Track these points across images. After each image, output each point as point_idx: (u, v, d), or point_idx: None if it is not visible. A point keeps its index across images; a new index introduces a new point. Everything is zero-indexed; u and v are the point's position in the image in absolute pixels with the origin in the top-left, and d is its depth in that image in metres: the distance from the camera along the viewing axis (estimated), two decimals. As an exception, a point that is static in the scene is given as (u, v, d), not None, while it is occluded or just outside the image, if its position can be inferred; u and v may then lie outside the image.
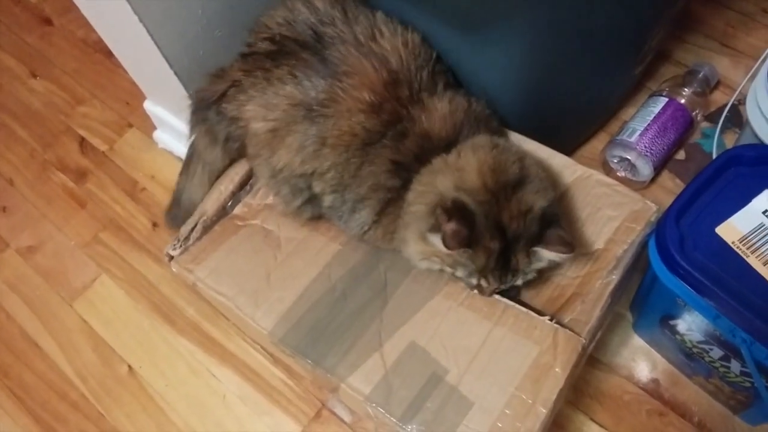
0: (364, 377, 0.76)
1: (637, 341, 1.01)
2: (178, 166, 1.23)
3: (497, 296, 0.77)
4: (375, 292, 0.81)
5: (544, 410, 0.71)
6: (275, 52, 0.80)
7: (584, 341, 0.74)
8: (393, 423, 0.74)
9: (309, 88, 0.78)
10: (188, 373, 1.06)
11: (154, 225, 1.20)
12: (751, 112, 0.86)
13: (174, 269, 0.86)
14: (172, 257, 0.87)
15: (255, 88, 0.80)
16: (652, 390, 0.97)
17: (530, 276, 0.77)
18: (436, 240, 0.70)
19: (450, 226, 0.68)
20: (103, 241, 1.19)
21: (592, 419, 0.96)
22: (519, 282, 0.76)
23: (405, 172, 0.78)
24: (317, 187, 0.83)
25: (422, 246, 0.74)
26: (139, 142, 1.29)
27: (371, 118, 0.78)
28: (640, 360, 0.99)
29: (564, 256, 0.72)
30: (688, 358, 0.91)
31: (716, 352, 0.83)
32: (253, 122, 0.81)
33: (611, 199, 0.83)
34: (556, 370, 0.72)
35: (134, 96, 1.31)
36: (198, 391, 1.05)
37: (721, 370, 0.85)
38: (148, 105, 1.20)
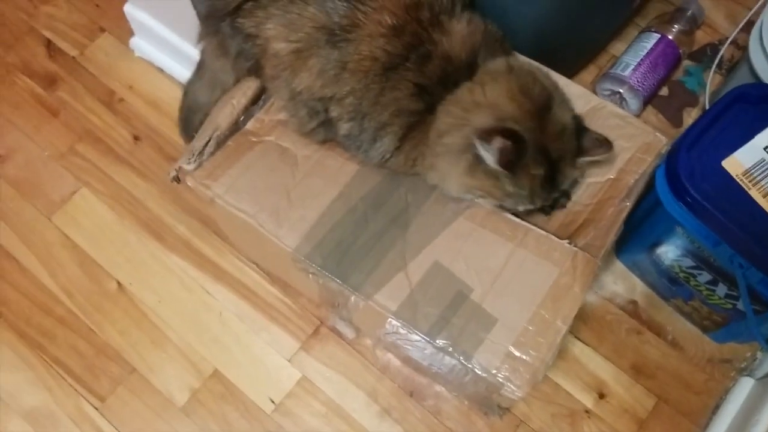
0: (391, 295, 0.78)
1: (619, 266, 1.08)
2: (159, 77, 1.19)
3: (518, 219, 0.80)
4: (397, 213, 0.82)
5: (564, 326, 0.75)
6: None
7: (599, 263, 0.78)
8: (420, 338, 0.77)
9: (332, 12, 0.75)
10: (181, 290, 1.05)
11: (136, 138, 1.15)
12: (753, 50, 0.91)
13: (190, 184, 0.83)
14: (185, 171, 0.84)
15: (275, 5, 0.77)
16: (631, 311, 1.05)
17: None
18: (488, 162, 0.73)
19: (502, 143, 0.71)
20: (80, 152, 1.14)
21: (576, 337, 1.03)
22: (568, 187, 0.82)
23: (428, 95, 0.78)
24: (334, 112, 0.81)
25: (468, 179, 0.76)
26: (113, 49, 1.21)
27: (392, 42, 0.77)
28: (621, 283, 1.07)
29: (607, 155, 0.79)
30: (671, 282, 0.98)
31: (704, 277, 0.90)
32: (274, 42, 0.78)
33: (624, 130, 0.86)
34: (575, 290, 0.77)
35: (106, -3, 1.23)
36: (193, 307, 1.04)
37: (705, 293, 0.92)
38: (128, 8, 1.12)
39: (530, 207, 0.79)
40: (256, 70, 0.85)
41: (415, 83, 0.78)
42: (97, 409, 0.98)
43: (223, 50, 0.86)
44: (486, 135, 0.71)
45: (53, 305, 1.04)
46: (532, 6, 0.87)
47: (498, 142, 0.71)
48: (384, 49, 0.77)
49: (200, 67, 0.94)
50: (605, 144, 0.78)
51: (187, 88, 0.98)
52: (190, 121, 0.98)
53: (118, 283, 1.06)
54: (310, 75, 0.79)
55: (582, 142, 0.77)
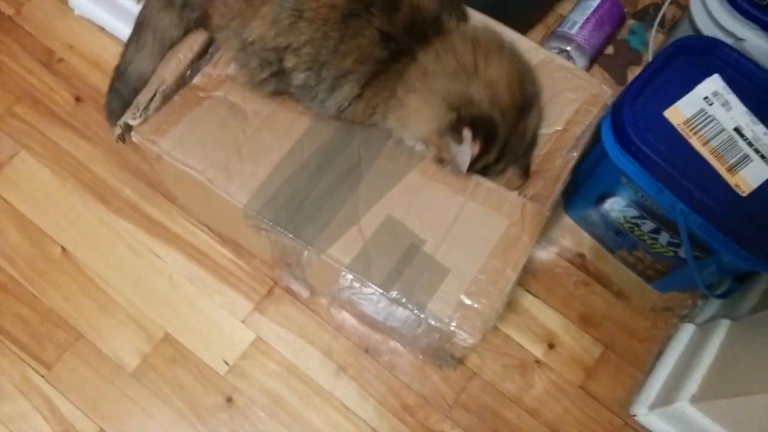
0: (344, 248, 0.78)
1: (567, 221, 1.10)
2: (99, 36, 1.15)
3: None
4: (349, 168, 0.81)
5: (513, 274, 0.76)
6: None
7: (548, 213, 0.80)
8: (374, 290, 0.77)
9: None
10: (129, 254, 1.03)
11: (78, 99, 1.11)
12: (693, 4, 0.93)
13: (135, 140, 0.81)
14: (130, 127, 0.81)
15: None
16: (579, 264, 1.07)
17: None
18: (460, 153, 0.76)
19: (477, 149, 0.75)
20: (19, 114, 1.09)
21: (527, 290, 1.05)
22: None
23: (394, 43, 0.77)
24: (289, 62, 0.79)
25: (434, 136, 0.78)
26: (51, 8, 1.17)
27: None
28: (569, 238, 1.09)
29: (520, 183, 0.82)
30: (616, 233, 1.01)
31: (648, 226, 0.93)
32: None
33: (571, 82, 0.87)
34: (524, 239, 0.78)
35: (41, -46, 1.18)
36: (141, 271, 1.02)
37: (649, 242, 0.95)
38: (65, -36, 1.08)
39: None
40: (203, 21, 0.83)
41: (381, 30, 0.77)
42: (43, 377, 0.96)
43: (167, 1, 0.83)
44: (466, 128, 0.74)
45: (-6, 272, 1.01)
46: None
47: (474, 147, 0.74)
48: None
49: (140, 29, 0.87)
50: (524, 176, 0.82)
51: (125, 57, 0.89)
52: (121, 95, 0.89)
53: (63, 248, 1.03)
54: (262, 24, 0.77)
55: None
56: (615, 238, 1.02)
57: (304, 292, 1.01)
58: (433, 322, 0.76)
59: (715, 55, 0.85)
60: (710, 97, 0.84)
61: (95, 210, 1.05)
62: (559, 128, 0.86)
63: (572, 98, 0.86)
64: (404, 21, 0.76)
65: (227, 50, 0.83)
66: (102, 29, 1.14)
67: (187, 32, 0.86)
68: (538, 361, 1.01)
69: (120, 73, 0.90)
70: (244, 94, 0.85)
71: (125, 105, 0.86)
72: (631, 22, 1.20)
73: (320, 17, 0.76)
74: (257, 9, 0.76)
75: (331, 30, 0.76)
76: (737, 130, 0.82)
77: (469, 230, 0.79)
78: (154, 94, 0.82)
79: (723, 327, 0.92)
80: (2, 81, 1.11)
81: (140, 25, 0.87)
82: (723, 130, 0.82)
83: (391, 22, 0.76)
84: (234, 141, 0.82)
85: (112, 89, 0.91)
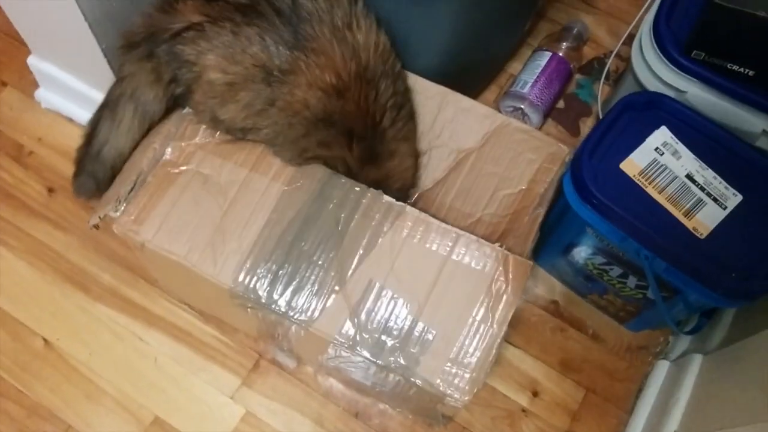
0: (331, 319, 0.80)
1: (538, 270, 1.14)
2: (68, 127, 1.18)
3: (448, 226, 0.83)
4: (328, 233, 0.83)
5: (500, 331, 0.79)
6: (247, 8, 0.79)
7: (531, 263, 0.83)
8: (362, 358, 0.79)
9: (275, 55, 0.78)
10: (113, 340, 1.03)
11: (50, 190, 1.12)
12: (635, 62, 1.00)
13: (117, 231, 0.83)
14: (111, 219, 0.83)
15: (220, 39, 0.79)
16: (553, 310, 1.11)
17: None
18: None
19: None
20: (-7, 211, 1.10)
21: (507, 341, 1.08)
22: None
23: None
24: (249, 137, 0.86)
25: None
26: (18, 103, 1.18)
27: (332, 99, 0.80)
28: (542, 286, 1.13)
29: None
30: (586, 279, 1.05)
31: (615, 271, 0.97)
32: (211, 71, 0.80)
33: (530, 144, 0.92)
34: (508, 294, 0.81)
35: (4, 51, 1.20)
36: (126, 356, 1.03)
37: (618, 286, 1.00)
38: (32, 60, 1.10)
39: None
40: (185, 97, 0.86)
41: (349, 166, 0.83)
42: (34, 474, 0.95)
43: (156, 76, 0.85)
44: None
45: (-24, 371, 1.00)
46: (437, 32, 0.93)
47: None
48: (320, 101, 0.80)
49: (116, 104, 0.87)
50: None
51: (99, 136, 0.89)
52: (96, 176, 0.91)
53: (45, 340, 1.02)
54: (236, 107, 0.82)
55: None
56: (585, 283, 1.06)
57: (290, 363, 1.02)
58: (422, 385, 0.78)
59: (660, 108, 0.92)
60: (660, 147, 0.89)
61: (75, 299, 1.05)
62: (523, 187, 0.91)
63: (532, 158, 0.92)
64: (374, 178, 0.84)
65: (200, 120, 0.87)
66: (70, 120, 1.16)
67: (167, 109, 0.88)
68: (524, 410, 1.03)
69: (93, 153, 0.90)
70: (214, 162, 0.86)
71: (100, 185, 0.90)
72: (578, 77, 1.27)
73: (291, 109, 0.81)
74: (236, 93, 0.81)
75: (299, 123, 0.81)
76: (689, 176, 0.88)
77: (452, 288, 0.81)
78: (134, 186, 0.84)
79: (696, 362, 0.96)
80: (-27, 179, 1.12)
81: (116, 100, 0.87)
82: (676, 177, 0.88)
83: (361, 170, 0.84)
84: (212, 218, 0.84)
85: (83, 170, 0.91)
